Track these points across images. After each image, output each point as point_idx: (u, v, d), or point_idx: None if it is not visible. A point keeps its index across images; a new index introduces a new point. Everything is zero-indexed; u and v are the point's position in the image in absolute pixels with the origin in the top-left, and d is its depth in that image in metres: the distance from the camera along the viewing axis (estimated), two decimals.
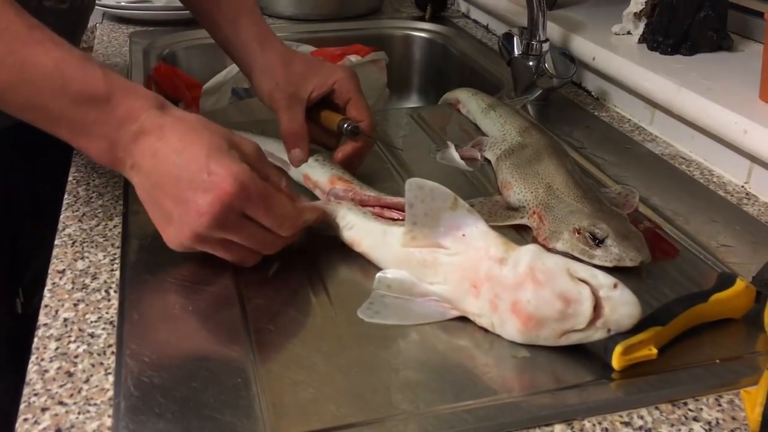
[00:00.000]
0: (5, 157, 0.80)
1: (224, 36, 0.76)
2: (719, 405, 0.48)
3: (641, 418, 0.46)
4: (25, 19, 0.52)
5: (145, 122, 0.53)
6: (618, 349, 0.49)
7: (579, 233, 0.62)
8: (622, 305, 0.48)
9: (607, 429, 0.45)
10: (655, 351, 0.50)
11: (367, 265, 0.61)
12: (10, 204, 0.82)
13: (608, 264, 0.60)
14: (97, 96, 0.52)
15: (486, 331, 0.53)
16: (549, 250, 0.59)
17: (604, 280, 0.49)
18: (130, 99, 0.54)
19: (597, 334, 0.49)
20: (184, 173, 0.52)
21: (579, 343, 0.50)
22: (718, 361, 0.51)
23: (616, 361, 0.49)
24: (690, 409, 0.47)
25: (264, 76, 0.72)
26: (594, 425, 0.46)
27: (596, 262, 0.61)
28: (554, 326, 0.49)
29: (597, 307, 0.48)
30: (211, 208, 0.52)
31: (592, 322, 0.48)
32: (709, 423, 0.46)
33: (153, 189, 0.54)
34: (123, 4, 1.31)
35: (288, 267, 0.61)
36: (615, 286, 0.48)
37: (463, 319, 0.55)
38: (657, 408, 0.47)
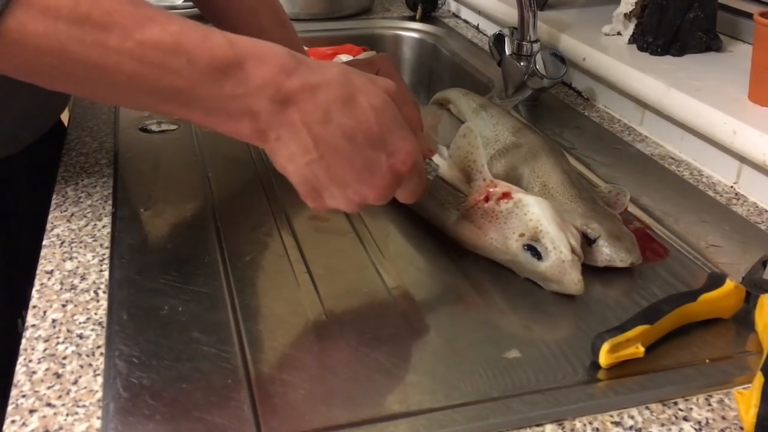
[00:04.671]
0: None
1: None
2: (709, 405, 0.48)
3: (632, 417, 0.46)
4: None
5: (290, 87, 0.48)
6: (605, 347, 0.49)
7: None
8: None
9: (597, 429, 0.46)
10: (642, 349, 0.50)
11: (360, 266, 0.61)
12: (8, 225, 0.81)
13: (599, 264, 0.60)
14: (227, 65, 0.46)
15: (478, 331, 0.53)
16: None
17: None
18: (264, 62, 0.47)
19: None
20: (358, 155, 0.49)
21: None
22: (708, 361, 0.51)
23: (603, 359, 0.49)
24: (680, 409, 0.47)
25: None
26: (584, 425, 0.46)
27: (587, 261, 0.61)
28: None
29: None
30: (388, 187, 0.51)
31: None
32: (699, 423, 0.46)
33: (311, 164, 0.49)
34: None
35: (279, 267, 0.60)
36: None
37: (455, 320, 0.55)
38: (647, 408, 0.47)
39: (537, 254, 0.57)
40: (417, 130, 0.53)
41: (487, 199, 0.61)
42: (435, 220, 0.65)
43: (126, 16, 0.45)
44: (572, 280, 0.56)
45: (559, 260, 0.56)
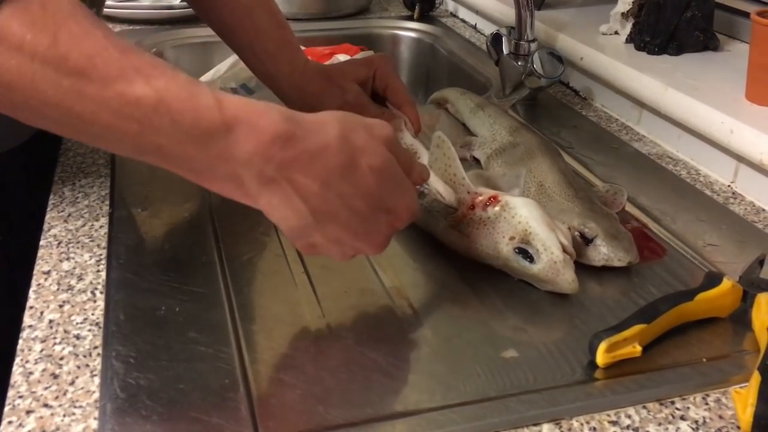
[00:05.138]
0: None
1: (266, 70, 0.78)
2: (706, 404, 0.48)
3: (629, 417, 0.46)
4: (116, 42, 0.43)
5: (284, 157, 0.44)
6: (602, 346, 0.49)
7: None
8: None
9: (594, 428, 0.46)
10: (639, 349, 0.50)
11: (358, 266, 0.61)
12: (7, 223, 0.81)
13: (596, 263, 0.61)
14: (215, 129, 0.43)
15: (475, 331, 0.53)
16: None
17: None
18: (256, 132, 0.44)
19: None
20: (355, 218, 0.47)
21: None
22: (705, 360, 0.52)
23: (600, 358, 0.49)
24: (677, 408, 0.47)
25: (327, 97, 0.74)
26: (582, 424, 0.46)
27: (585, 261, 0.61)
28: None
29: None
30: (385, 241, 0.51)
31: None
32: (696, 422, 0.46)
33: (305, 228, 0.47)
34: (109, 2, 1.30)
35: (276, 267, 0.60)
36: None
37: (452, 320, 0.55)
38: (644, 407, 0.47)
39: (528, 257, 0.57)
40: (412, 173, 0.52)
41: (473, 208, 0.60)
42: (425, 227, 0.65)
43: (108, 63, 0.41)
44: (566, 280, 0.56)
45: (551, 261, 0.56)
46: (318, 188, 0.45)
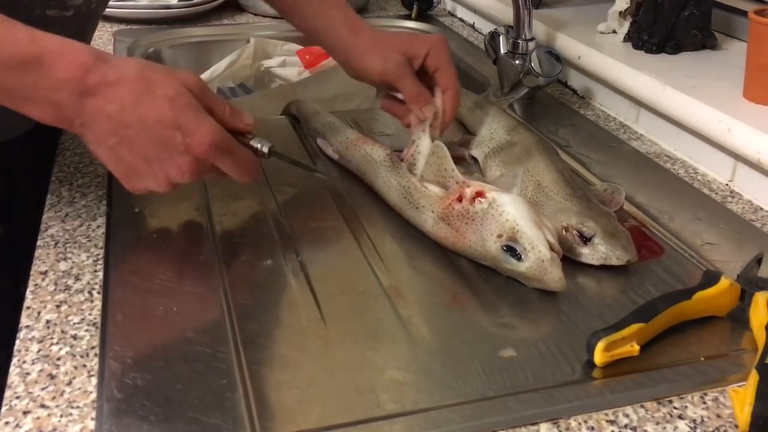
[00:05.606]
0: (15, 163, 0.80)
1: (313, 27, 0.79)
2: (704, 403, 0.48)
3: (626, 416, 0.46)
4: None
5: (88, 82, 0.53)
6: (600, 345, 0.49)
7: (567, 231, 0.62)
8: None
9: (592, 427, 0.46)
10: (637, 348, 0.50)
11: (356, 265, 0.61)
12: (10, 215, 0.81)
13: (595, 262, 0.61)
14: (28, 59, 0.51)
15: (473, 330, 0.53)
16: None
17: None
18: (64, 58, 0.52)
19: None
20: (153, 135, 0.54)
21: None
22: (702, 358, 0.52)
23: (598, 357, 0.49)
24: (675, 407, 0.47)
25: (370, 57, 0.75)
26: (580, 424, 0.46)
27: (583, 259, 0.61)
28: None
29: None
30: (192, 165, 0.56)
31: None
32: (694, 421, 0.46)
33: (114, 149, 0.55)
34: None
35: (274, 268, 0.60)
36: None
37: (450, 319, 0.55)
38: (642, 406, 0.47)
39: (516, 255, 0.57)
40: (224, 118, 0.59)
41: (460, 199, 0.61)
42: (414, 224, 0.65)
43: None
44: (553, 278, 0.56)
45: (538, 260, 0.56)
46: (117, 107, 0.54)
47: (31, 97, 0.53)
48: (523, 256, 0.56)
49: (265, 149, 0.62)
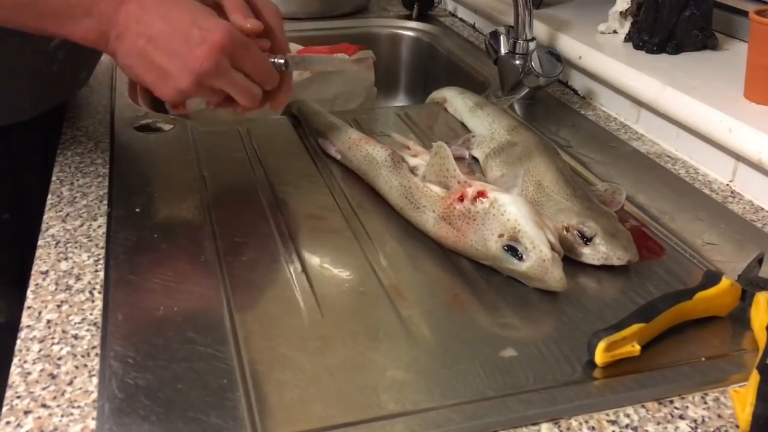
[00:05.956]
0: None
1: None
2: (705, 403, 0.48)
3: (627, 416, 0.46)
4: None
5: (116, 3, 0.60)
6: (601, 345, 0.49)
7: (568, 231, 0.62)
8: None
9: (593, 428, 0.46)
10: (638, 348, 0.50)
11: (356, 264, 0.61)
12: (20, 199, 0.82)
13: (595, 262, 0.61)
14: None
15: (474, 330, 0.53)
16: None
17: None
18: None
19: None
20: (175, 32, 0.61)
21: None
22: (704, 359, 0.51)
23: (598, 357, 0.49)
24: (676, 407, 0.47)
25: None
26: (580, 424, 0.46)
27: (584, 260, 0.61)
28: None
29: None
30: (210, 54, 0.61)
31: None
32: (695, 421, 0.46)
33: (143, 51, 0.61)
34: None
35: (274, 267, 0.60)
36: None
37: (451, 319, 0.55)
38: (643, 406, 0.47)
39: (517, 255, 0.57)
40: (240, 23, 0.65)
41: (461, 199, 0.61)
42: (415, 224, 0.65)
43: None
44: (554, 278, 0.56)
45: (539, 259, 0.56)
46: (143, 12, 0.61)
47: (75, 13, 0.60)
48: (524, 256, 0.56)
49: (281, 60, 0.68)
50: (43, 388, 0.47)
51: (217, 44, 0.61)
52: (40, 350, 0.50)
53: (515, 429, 0.45)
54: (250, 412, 0.45)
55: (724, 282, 0.54)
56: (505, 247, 0.57)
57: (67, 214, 0.67)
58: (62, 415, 0.45)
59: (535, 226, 0.57)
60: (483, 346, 0.52)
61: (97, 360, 0.50)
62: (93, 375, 0.48)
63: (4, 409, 0.46)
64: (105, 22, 0.60)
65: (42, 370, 0.49)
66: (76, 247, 0.62)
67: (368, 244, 0.64)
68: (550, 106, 0.97)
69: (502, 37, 0.98)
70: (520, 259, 0.57)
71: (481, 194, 0.60)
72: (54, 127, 0.85)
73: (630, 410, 0.47)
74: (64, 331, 0.52)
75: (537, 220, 0.58)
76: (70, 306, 0.55)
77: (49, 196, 0.70)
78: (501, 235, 0.57)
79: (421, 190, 0.64)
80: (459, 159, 0.80)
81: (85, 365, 0.49)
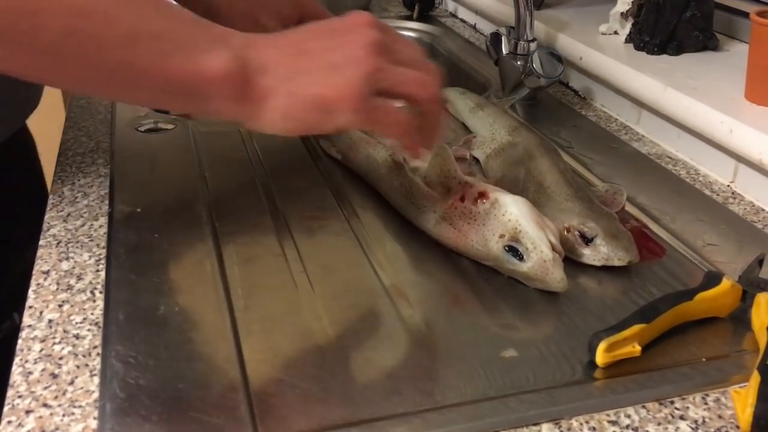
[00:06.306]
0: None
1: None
2: (706, 404, 0.48)
3: (628, 417, 0.46)
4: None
5: (246, 35, 0.52)
6: (602, 346, 0.49)
7: (568, 231, 0.62)
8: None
9: (594, 428, 0.46)
10: (638, 348, 0.50)
11: (357, 265, 0.61)
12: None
13: (596, 263, 0.61)
14: (189, 18, 0.51)
15: (475, 330, 0.53)
16: None
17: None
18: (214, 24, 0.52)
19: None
20: (324, 32, 0.53)
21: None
22: (704, 359, 0.52)
23: (599, 358, 0.49)
24: (677, 408, 0.47)
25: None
26: (581, 424, 0.46)
27: (585, 260, 0.61)
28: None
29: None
30: (374, 33, 0.52)
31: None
32: (695, 422, 0.46)
33: (296, 60, 0.51)
34: None
35: (275, 267, 0.60)
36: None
37: (452, 319, 0.55)
38: (644, 407, 0.47)
39: (518, 255, 0.57)
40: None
41: (463, 199, 0.61)
42: (417, 224, 0.65)
43: None
44: (555, 279, 0.56)
45: (540, 260, 0.56)
46: (263, 38, 0.52)
47: (201, 45, 0.50)
48: (525, 257, 0.57)
49: None
50: (45, 388, 0.47)
51: (375, 26, 0.53)
52: (41, 350, 0.50)
53: (516, 429, 0.45)
54: (250, 412, 0.45)
55: (725, 283, 0.54)
56: (506, 248, 0.57)
57: (69, 214, 0.67)
58: (63, 415, 0.45)
59: (536, 227, 0.57)
60: (484, 347, 0.52)
61: (98, 360, 0.50)
62: (94, 375, 0.48)
63: (6, 408, 0.46)
64: (240, 54, 0.50)
65: (43, 370, 0.49)
66: (77, 247, 0.62)
67: (369, 245, 0.64)
68: (550, 107, 0.97)
69: (502, 37, 0.98)
70: (521, 259, 0.57)
71: (482, 195, 0.60)
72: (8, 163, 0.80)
73: (631, 411, 0.47)
74: (65, 331, 0.52)
75: (538, 220, 0.58)
76: (72, 306, 0.55)
77: (51, 196, 0.70)
78: (502, 236, 0.58)
79: (422, 191, 0.65)
80: (460, 160, 0.80)
81: (87, 365, 0.49)
